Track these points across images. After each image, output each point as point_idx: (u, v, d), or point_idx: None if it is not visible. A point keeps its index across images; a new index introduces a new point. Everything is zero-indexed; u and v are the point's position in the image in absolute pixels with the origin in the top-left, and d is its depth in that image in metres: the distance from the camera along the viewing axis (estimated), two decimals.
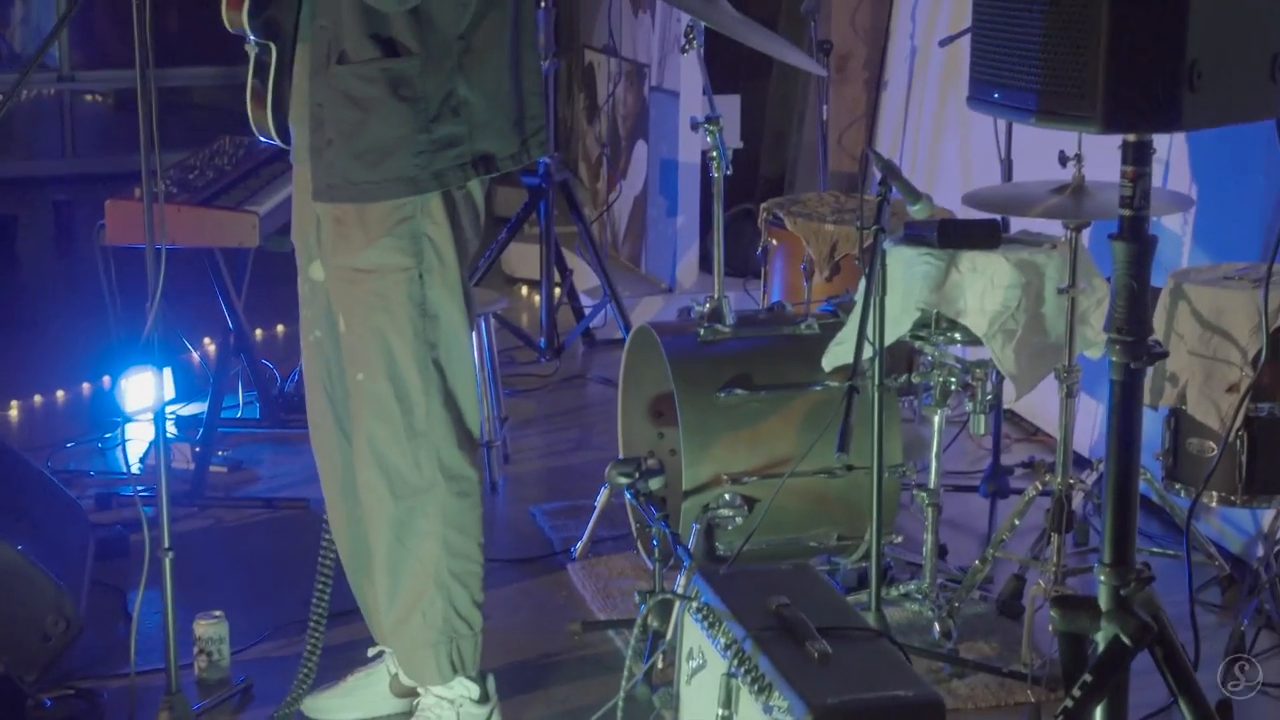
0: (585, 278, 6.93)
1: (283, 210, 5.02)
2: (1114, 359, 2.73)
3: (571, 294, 6.82)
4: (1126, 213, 2.70)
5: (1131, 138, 2.66)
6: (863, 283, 3.76)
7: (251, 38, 3.46)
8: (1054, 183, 4.11)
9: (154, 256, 3.53)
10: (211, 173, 5.21)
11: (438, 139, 3.41)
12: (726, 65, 6.99)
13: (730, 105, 6.79)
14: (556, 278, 6.54)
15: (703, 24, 4.48)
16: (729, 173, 4.48)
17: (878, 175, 3.91)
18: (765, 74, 7.45)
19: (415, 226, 3.45)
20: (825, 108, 6.49)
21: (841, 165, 7.19)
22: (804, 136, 7.31)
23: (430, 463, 3.53)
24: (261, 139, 3.59)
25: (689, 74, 6.83)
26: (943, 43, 5.61)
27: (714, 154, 4.43)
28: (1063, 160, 4.05)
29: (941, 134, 6.52)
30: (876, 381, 3.76)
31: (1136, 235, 2.70)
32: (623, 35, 7.59)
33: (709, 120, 4.43)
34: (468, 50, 3.41)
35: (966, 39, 5.31)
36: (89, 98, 12.35)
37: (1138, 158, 2.68)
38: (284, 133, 3.56)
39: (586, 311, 6.76)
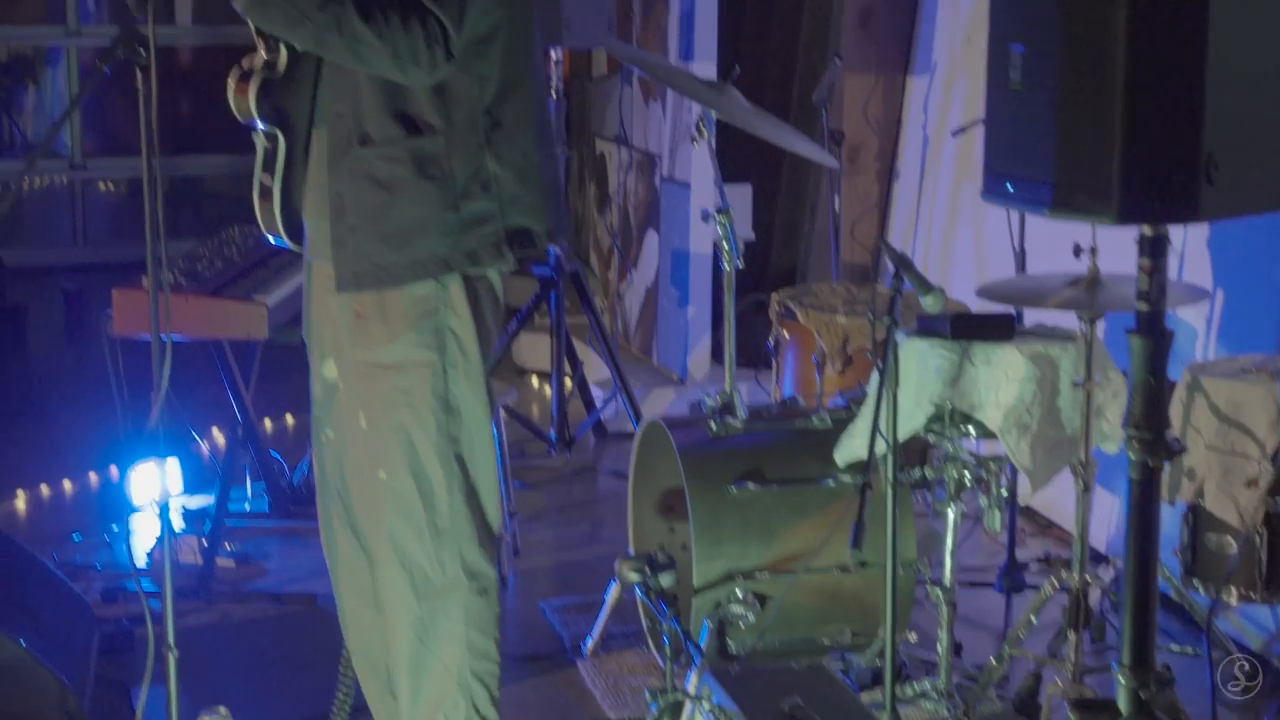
0: (595, 368, 6.89)
1: (292, 301, 4.99)
2: (1132, 456, 2.69)
3: (582, 385, 6.78)
4: (1143, 307, 2.67)
5: (1148, 230, 2.63)
6: (875, 376, 3.72)
7: (260, 126, 3.43)
8: (1069, 275, 4.07)
9: (160, 347, 3.49)
10: (220, 263, 5.19)
11: (467, 217, 3.37)
12: (737, 155, 6.99)
13: (741, 195, 6.77)
14: (567, 369, 6.50)
15: (714, 114, 4.45)
16: (740, 265, 4.45)
17: (891, 267, 3.87)
18: (776, 164, 7.44)
19: (439, 320, 3.40)
20: (837, 198, 6.47)
21: (854, 256, 7.17)
22: (816, 227, 7.29)
23: (453, 561, 3.48)
24: (270, 239, 3.54)
25: (700, 164, 6.82)
26: (955, 133, 5.60)
27: (725, 246, 4.41)
28: (1077, 252, 4.01)
29: (955, 225, 6.50)
30: (890, 477, 3.71)
31: (1153, 330, 2.67)
32: (634, 125, 7.60)
33: (720, 212, 4.40)
34: (495, 126, 3.39)
35: (980, 129, 5.31)
36: (100, 186, 12.40)
37: (1154, 250, 2.65)
38: (293, 231, 3.51)
39: (597, 403, 6.72)
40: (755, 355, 6.73)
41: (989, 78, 2.62)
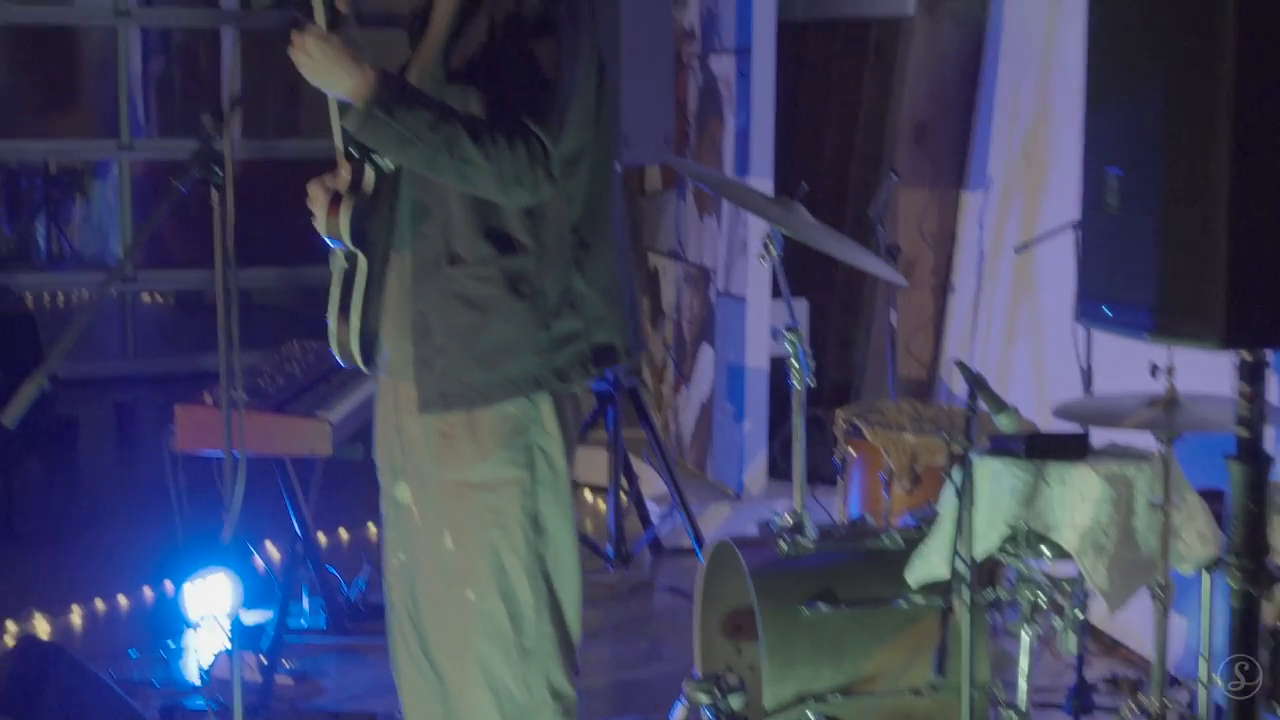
0: (650, 483, 6.85)
1: (355, 417, 4.98)
2: (1233, 585, 2.64)
3: (638, 501, 6.74)
4: (1243, 433, 2.62)
5: (1247, 355, 2.60)
6: (944, 494, 3.68)
7: (345, 247, 3.42)
8: (1145, 394, 4.02)
9: (232, 466, 3.47)
10: (282, 378, 5.18)
11: (557, 335, 3.37)
12: (789, 269, 6.96)
13: (797, 310, 6.73)
14: (624, 484, 6.47)
15: (781, 231, 4.44)
16: (812, 383, 4.42)
17: (966, 387, 3.84)
18: (829, 279, 7.44)
19: (529, 438, 3.38)
20: (894, 313, 6.46)
21: (909, 371, 7.13)
22: (871, 342, 7.27)
23: (539, 683, 3.44)
24: (341, 363, 3.52)
25: (756, 279, 6.81)
26: (1019, 250, 5.58)
27: (795, 364, 4.38)
28: (1154, 372, 3.97)
29: (1013, 341, 6.46)
30: (967, 599, 3.66)
31: (1253, 456, 2.63)
32: (688, 239, 7.60)
33: (790, 330, 4.38)
34: (581, 244, 3.40)
35: (1043, 246, 5.27)
36: (146, 297, 12.44)
37: (1253, 376, 2.61)
38: (367, 352, 3.49)
39: (653, 518, 6.67)
40: (810, 470, 6.67)
41: (1084, 201, 2.60)
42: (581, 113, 3.36)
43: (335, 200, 3.41)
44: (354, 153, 3.40)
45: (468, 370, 3.34)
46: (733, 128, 6.96)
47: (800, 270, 7.21)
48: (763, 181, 6.74)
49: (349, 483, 6.08)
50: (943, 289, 7.11)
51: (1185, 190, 2.41)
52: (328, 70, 3.23)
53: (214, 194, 3.36)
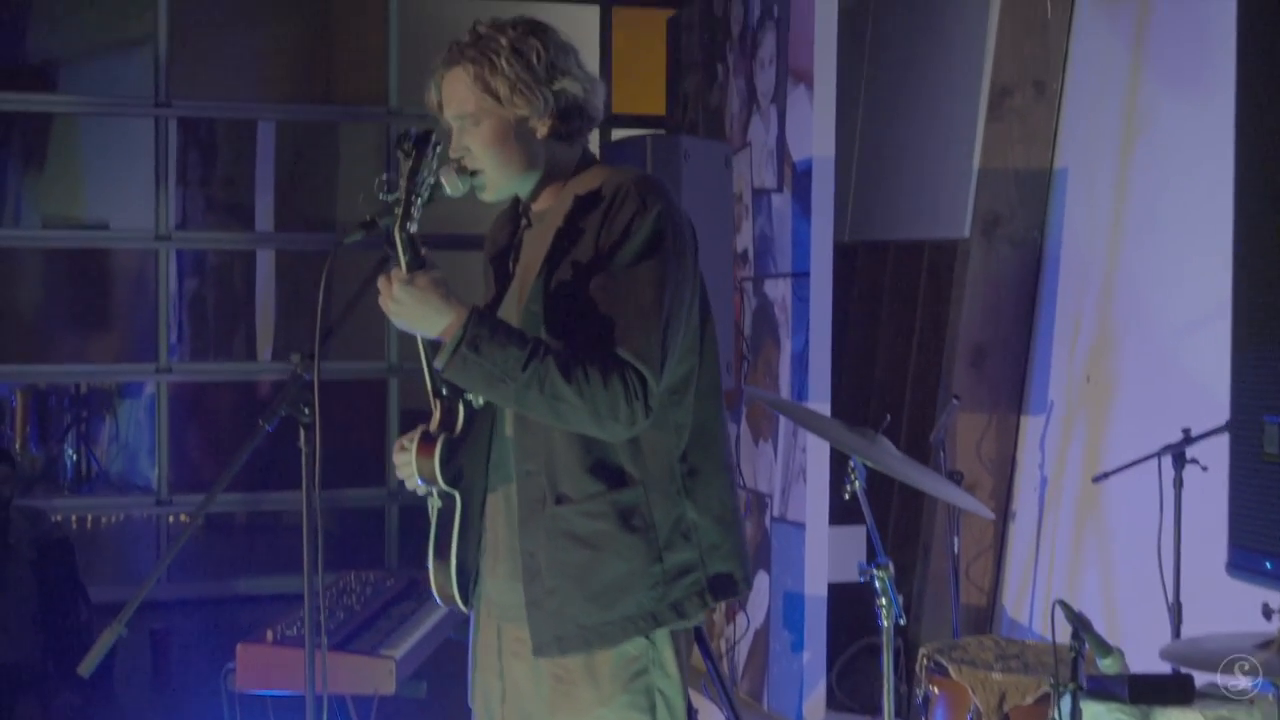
0: (709, 716, 6.64)
1: (417, 653, 4.84)
2: None
3: None
4: None
5: None
6: None
7: (439, 488, 3.30)
8: (1253, 635, 3.87)
9: (315, 707, 3.34)
10: (341, 613, 5.04)
11: (671, 568, 3.26)
12: (837, 493, 6.83)
13: (854, 537, 6.62)
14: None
15: (864, 463, 4.32)
16: (903, 621, 4.27)
17: (1069, 626, 3.71)
18: (885, 504, 7.30)
19: (649, 680, 3.26)
20: (956, 540, 6.32)
21: (969, 598, 6.97)
22: (930, 568, 7.10)
23: None
24: (442, 604, 3.40)
25: (815, 505, 6.68)
26: (1098, 479, 5.44)
27: (884, 600, 4.23)
28: (1267, 613, 3.83)
29: (1079, 571, 6.31)
30: None
31: None
32: (744, 464, 7.47)
33: (878, 566, 4.23)
34: (691, 473, 3.29)
35: (1121, 476, 5.13)
36: (176, 518, 12.29)
37: None
38: (464, 592, 3.37)
39: None
40: (868, 701, 6.50)
41: (1233, 448, 2.48)
42: (686, 340, 3.30)
43: (426, 441, 3.30)
44: (444, 391, 3.31)
45: (582, 610, 3.23)
46: (789, 351, 6.87)
47: (852, 496, 7.11)
48: (821, 407, 6.64)
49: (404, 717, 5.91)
50: (1003, 515, 6.97)
51: None
52: (416, 313, 3.17)
53: (302, 434, 3.26)
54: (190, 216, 13.67)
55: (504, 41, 3.34)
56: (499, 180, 3.38)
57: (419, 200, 3.13)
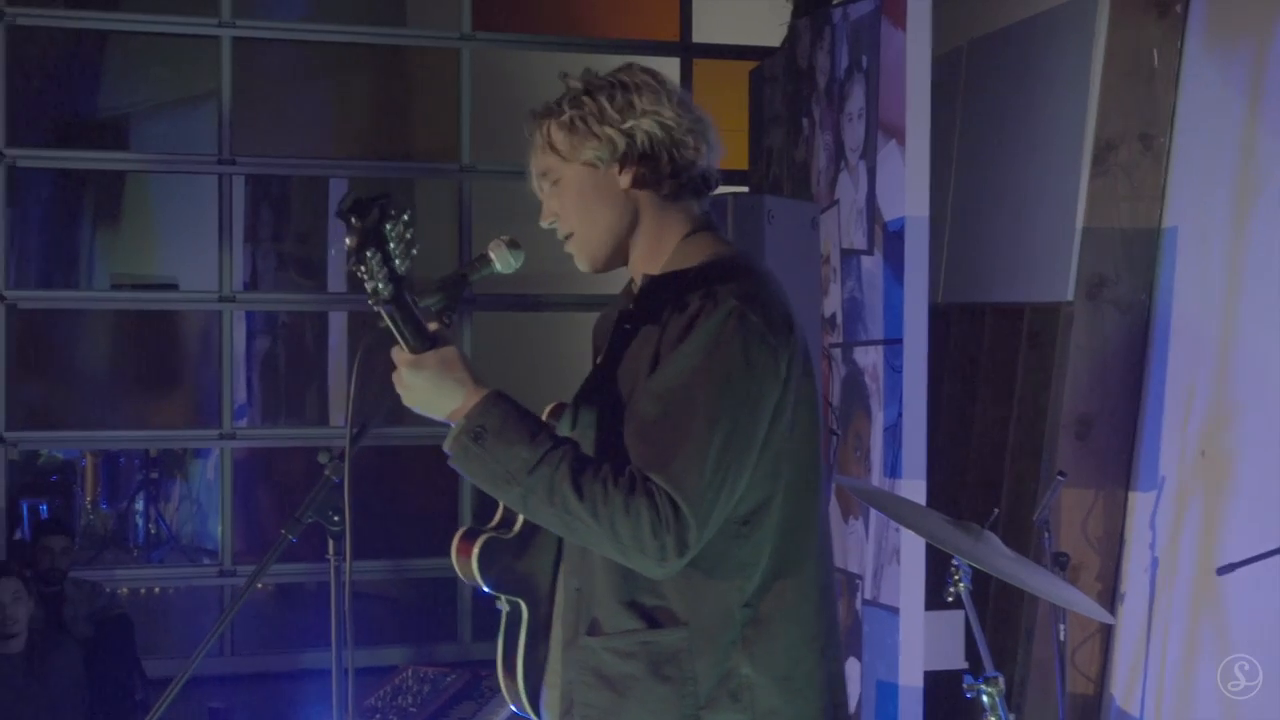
0: None
1: None
2: None
3: None
4: None
5: None
6: None
7: (491, 590, 2.90)
8: None
9: None
10: (395, 715, 4.68)
11: None
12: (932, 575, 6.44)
13: (953, 622, 6.19)
14: None
15: (970, 565, 3.91)
16: None
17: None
18: (984, 589, 6.86)
19: None
20: (1063, 627, 5.88)
21: (1075, 686, 6.52)
22: (1033, 655, 6.66)
23: None
24: (516, 712, 2.99)
25: (909, 588, 6.24)
26: (1222, 571, 4.99)
27: (995, 717, 3.81)
28: None
29: (1196, 655, 5.86)
30: None
31: None
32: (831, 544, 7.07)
33: (988, 680, 3.82)
34: (755, 621, 2.80)
35: (1250, 567, 4.69)
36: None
37: None
38: (536, 703, 2.95)
39: None
40: None
41: None
42: (767, 464, 2.78)
43: (466, 539, 2.90)
44: None
45: None
46: (880, 424, 6.45)
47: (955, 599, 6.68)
48: (915, 484, 6.21)
49: None
50: (1110, 596, 6.51)
51: None
52: (428, 399, 2.76)
53: (331, 545, 2.88)
54: (262, 274, 13.45)
55: (578, 86, 2.94)
56: (590, 245, 2.96)
57: (401, 266, 2.64)
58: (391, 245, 2.63)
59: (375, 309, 2.68)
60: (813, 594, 2.88)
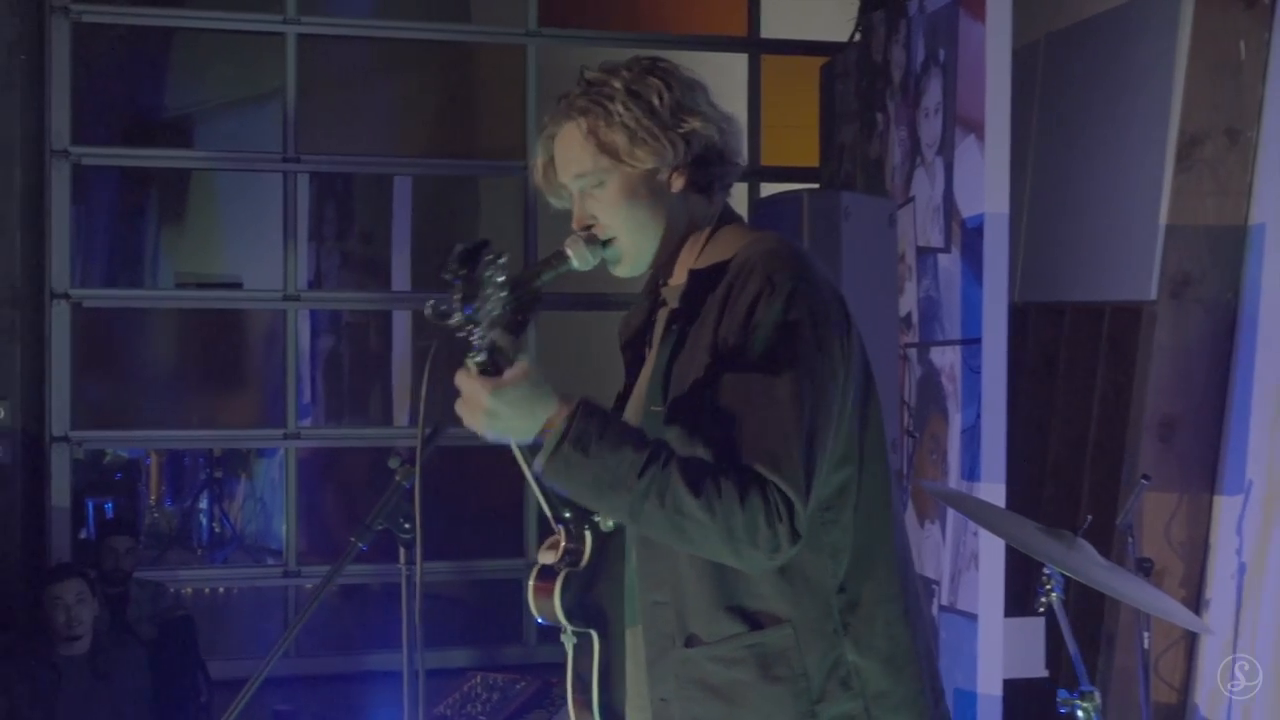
0: None
1: None
2: None
3: None
4: None
5: None
6: None
7: (568, 627, 2.80)
8: None
9: None
10: None
11: None
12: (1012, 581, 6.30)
13: (1033, 629, 6.05)
14: None
15: (1062, 574, 3.78)
16: None
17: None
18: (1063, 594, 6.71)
19: None
20: (1147, 635, 5.73)
21: (1158, 695, 6.36)
22: (1115, 662, 6.51)
23: None
24: None
25: (989, 594, 6.10)
26: None
27: None
28: None
29: None
30: None
31: None
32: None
33: (1084, 694, 3.69)
34: (851, 606, 2.76)
35: None
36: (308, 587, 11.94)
37: None
38: None
39: None
40: None
41: None
42: (840, 446, 2.75)
43: (544, 578, 2.80)
44: (567, 514, 2.80)
45: None
46: (958, 426, 6.31)
47: (1023, 588, 6.54)
48: (994, 488, 6.06)
49: None
50: (1195, 602, 6.36)
51: None
52: (517, 423, 2.65)
53: (402, 554, 2.77)
54: (326, 273, 13.39)
55: (618, 85, 2.83)
56: (636, 249, 2.89)
57: (498, 311, 2.57)
58: (489, 290, 2.56)
59: (471, 343, 2.58)
60: (895, 572, 2.85)
